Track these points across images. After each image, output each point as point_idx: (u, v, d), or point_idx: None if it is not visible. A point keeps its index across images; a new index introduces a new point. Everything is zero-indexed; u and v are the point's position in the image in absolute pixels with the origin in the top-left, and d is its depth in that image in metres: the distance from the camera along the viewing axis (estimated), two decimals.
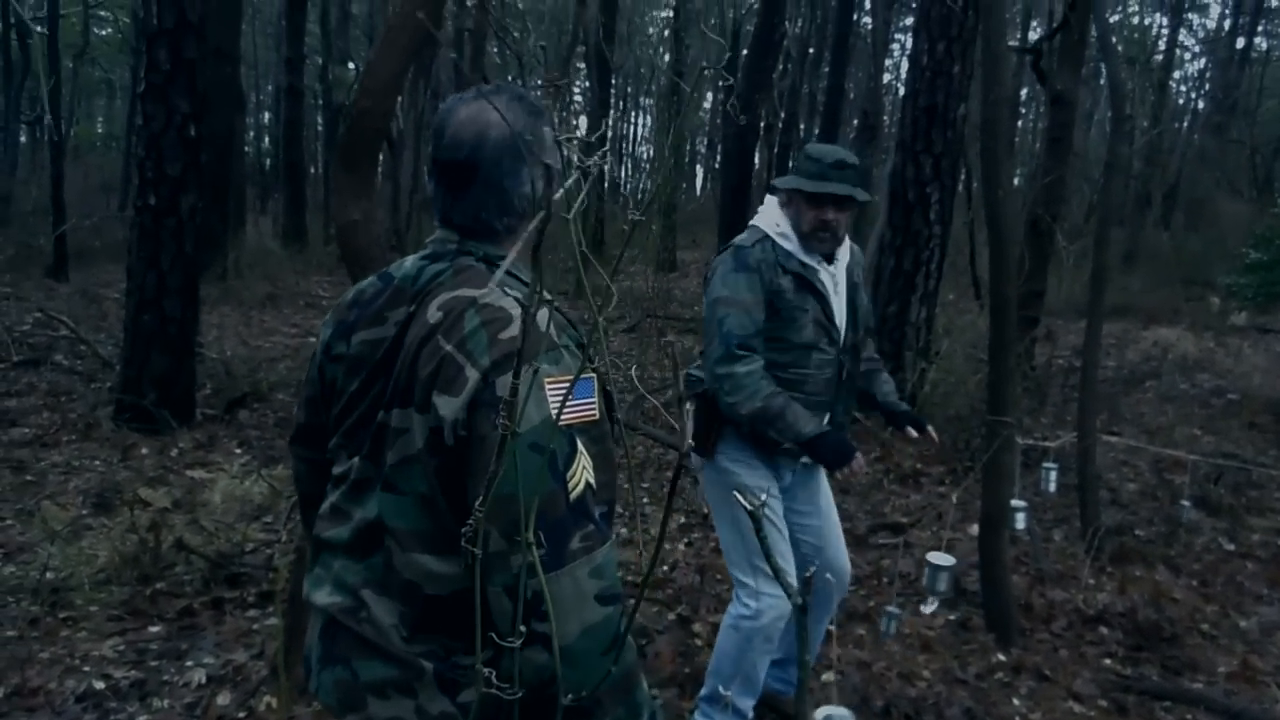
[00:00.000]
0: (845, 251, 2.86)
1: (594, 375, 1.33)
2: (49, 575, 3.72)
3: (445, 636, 1.41)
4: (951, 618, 3.99)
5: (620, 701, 1.36)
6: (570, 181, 0.96)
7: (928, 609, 3.68)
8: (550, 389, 1.29)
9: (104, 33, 25.21)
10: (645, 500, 5.36)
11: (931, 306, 7.21)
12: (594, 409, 1.35)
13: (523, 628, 1.19)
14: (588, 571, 1.27)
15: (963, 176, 7.64)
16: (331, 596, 1.48)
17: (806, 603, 1.59)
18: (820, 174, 2.71)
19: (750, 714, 2.95)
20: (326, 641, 1.49)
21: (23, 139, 21.45)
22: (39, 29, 14.05)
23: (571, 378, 1.22)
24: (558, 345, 1.36)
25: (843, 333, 2.83)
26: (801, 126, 22.80)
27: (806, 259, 2.76)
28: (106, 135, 30.04)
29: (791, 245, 2.76)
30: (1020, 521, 4.12)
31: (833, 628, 2.76)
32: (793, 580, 2.70)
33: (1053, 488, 4.71)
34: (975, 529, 4.19)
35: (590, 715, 1.35)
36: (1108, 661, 3.73)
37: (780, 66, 17.25)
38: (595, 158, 0.91)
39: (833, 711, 2.08)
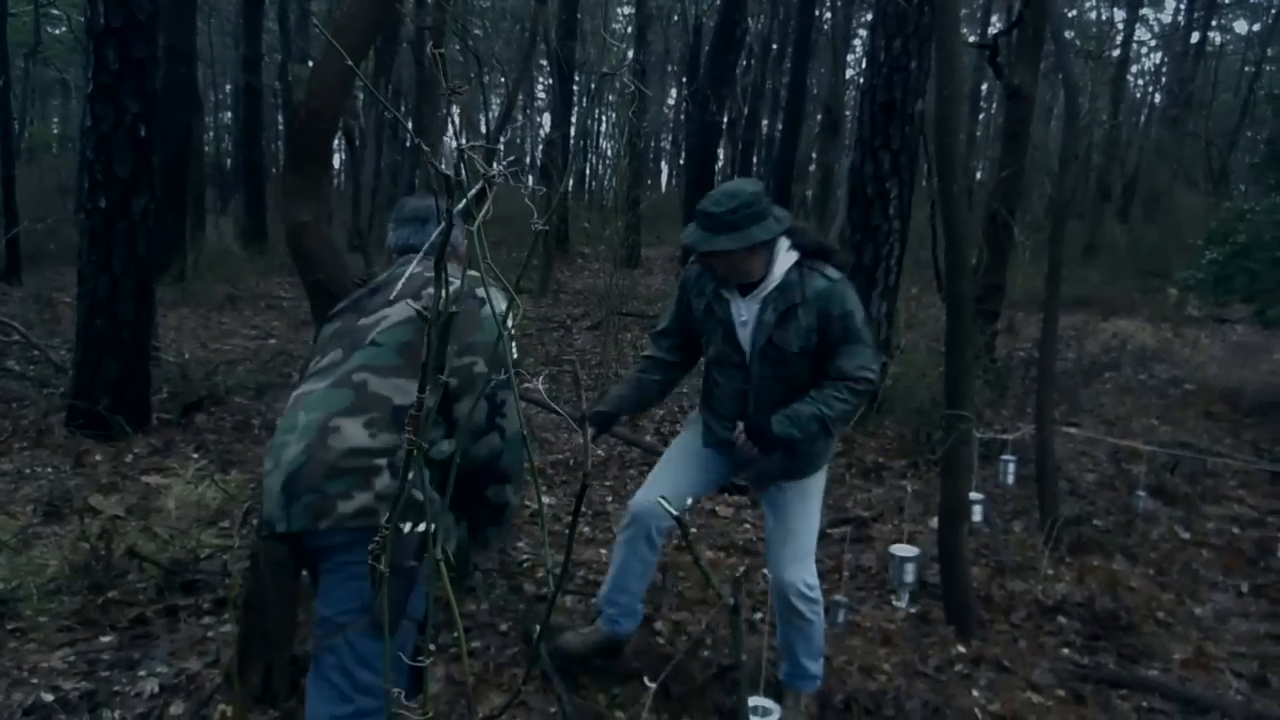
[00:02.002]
0: (773, 284, 2.89)
1: None
2: None
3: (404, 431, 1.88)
4: (912, 611, 4.01)
5: (519, 482, 2.22)
6: (473, 191, 0.95)
7: (900, 602, 3.70)
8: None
9: (57, 31, 24.79)
10: (609, 499, 5.34)
11: (892, 301, 7.25)
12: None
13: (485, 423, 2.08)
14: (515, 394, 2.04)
15: (925, 171, 7.69)
16: (299, 444, 2.02)
17: (738, 603, 1.60)
18: (697, 226, 2.85)
19: None
20: (291, 488, 1.99)
21: None
22: None
23: None
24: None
25: (748, 358, 2.98)
26: (764, 122, 22.89)
27: (723, 290, 2.98)
28: (62, 136, 29.54)
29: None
30: (978, 514, 4.15)
31: (765, 625, 2.79)
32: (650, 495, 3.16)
33: (1011, 480, 4.75)
34: (935, 521, 4.21)
35: (508, 480, 2.18)
36: (1066, 651, 3.77)
37: (743, 62, 17.28)
38: (498, 167, 0.90)
39: (761, 702, 2.09)
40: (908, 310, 8.51)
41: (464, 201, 0.98)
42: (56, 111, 33.31)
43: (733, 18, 13.98)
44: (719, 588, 1.79)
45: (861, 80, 8.36)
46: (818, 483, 3.12)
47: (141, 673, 3.20)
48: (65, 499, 4.54)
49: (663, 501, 2.67)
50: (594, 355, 8.98)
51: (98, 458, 5.34)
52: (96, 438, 5.59)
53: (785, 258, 2.90)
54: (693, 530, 4.72)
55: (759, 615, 3.86)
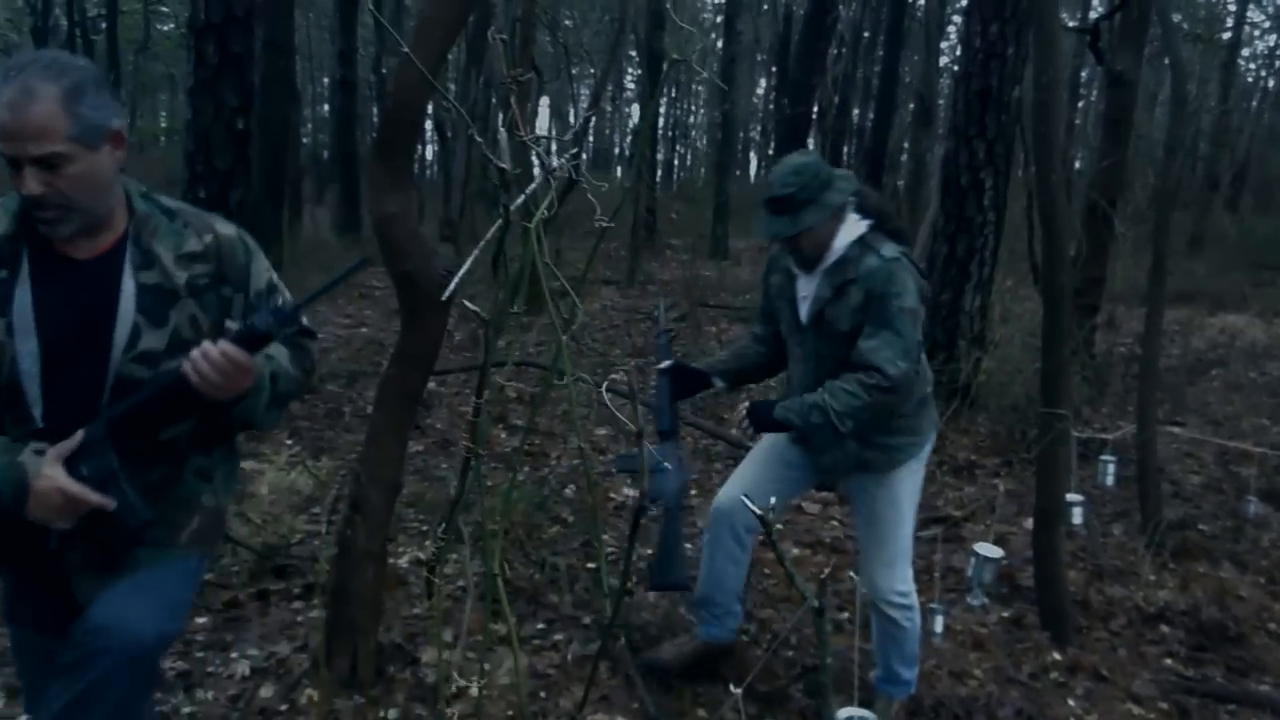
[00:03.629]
0: (833, 258, 2.82)
1: None
2: None
3: None
4: (1005, 615, 3.89)
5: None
6: (534, 186, 0.92)
7: (975, 601, 3.60)
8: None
9: (165, 28, 25.64)
10: (693, 493, 5.30)
11: (986, 294, 7.05)
12: None
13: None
14: None
15: (1021, 160, 7.47)
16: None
17: (824, 604, 1.55)
18: (765, 209, 2.83)
19: None
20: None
21: None
22: (103, 25, 14.35)
23: None
24: None
25: (804, 338, 2.94)
26: (856, 112, 22.51)
27: (792, 266, 2.96)
28: (169, 129, 30.58)
29: None
30: (1076, 516, 4.01)
31: (853, 625, 2.71)
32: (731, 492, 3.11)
33: (1111, 481, 4.58)
34: (1030, 522, 4.08)
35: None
36: (1169, 662, 3.62)
37: (834, 51, 17.01)
38: (563, 159, 0.87)
39: (854, 712, 2.03)
40: (1002, 304, 8.28)
41: (523, 198, 0.95)
42: (165, 105, 34.49)
43: (824, 5, 13.76)
44: (804, 588, 1.74)
45: (956, 67, 8.15)
46: (909, 487, 2.99)
47: (234, 655, 3.28)
48: None
49: (745, 499, 2.62)
50: (680, 349, 8.95)
51: None
52: None
53: (849, 230, 2.81)
54: (778, 527, 4.67)
55: (845, 615, 3.79)
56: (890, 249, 2.77)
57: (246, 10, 6.01)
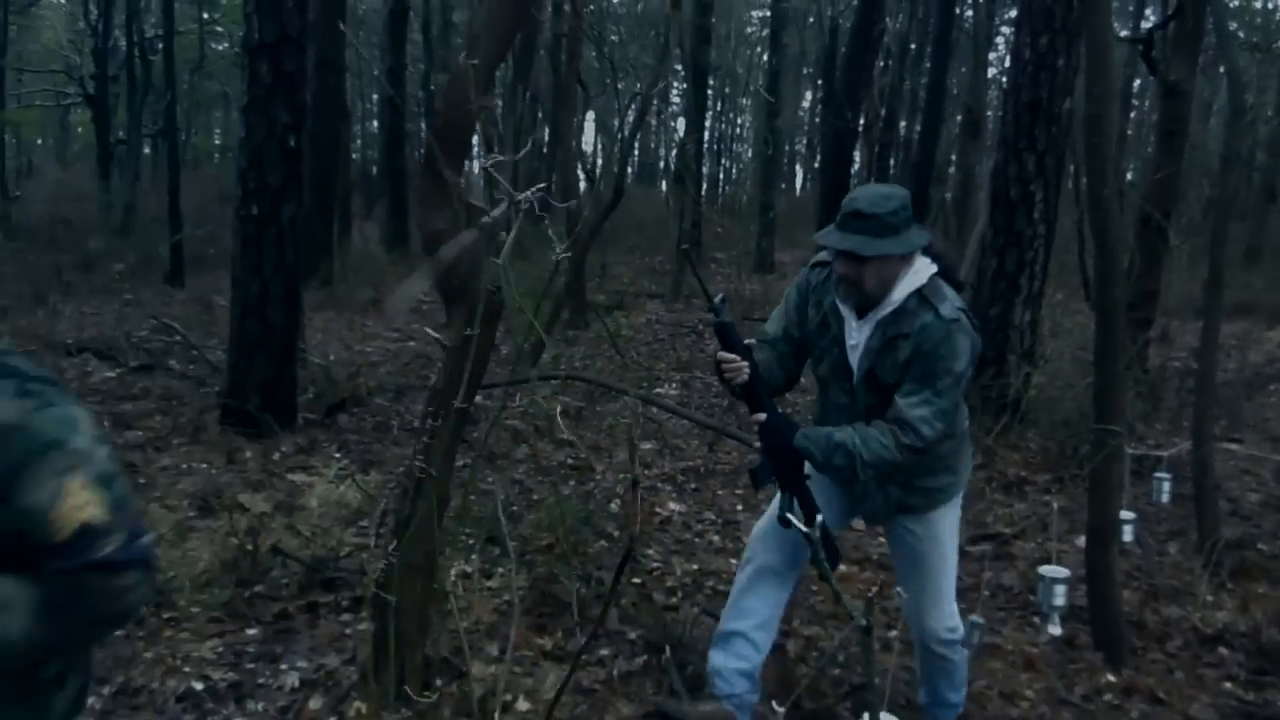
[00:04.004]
0: (890, 308, 2.63)
1: None
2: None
3: None
4: (1057, 634, 3.82)
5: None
6: (498, 211, 0.92)
7: (1053, 629, 3.52)
8: None
9: (220, 47, 26.13)
10: (739, 508, 5.29)
11: (1036, 308, 6.96)
12: None
13: None
14: None
15: (1071, 172, 7.37)
16: None
17: (871, 623, 1.53)
18: (838, 224, 2.60)
19: None
20: None
21: (146, 151, 22.42)
22: (160, 45, 14.70)
23: None
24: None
25: (854, 388, 2.75)
26: (902, 124, 22.36)
27: (840, 303, 2.73)
28: (223, 147, 31.16)
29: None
30: (1130, 534, 3.94)
31: (899, 642, 2.67)
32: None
33: (1166, 498, 4.49)
34: (1082, 540, 4.01)
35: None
36: (1228, 685, 3.53)
37: (880, 63, 16.93)
38: (529, 193, 0.86)
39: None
40: (1052, 318, 8.17)
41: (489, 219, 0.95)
42: (218, 123, 35.15)
43: (870, 18, 13.70)
44: (851, 606, 1.73)
45: (1005, 79, 8.08)
46: (949, 523, 2.88)
47: (283, 666, 3.32)
48: (217, 495, 4.75)
49: (791, 516, 2.59)
50: None
51: (248, 455, 5.57)
52: (247, 435, 5.84)
53: (912, 279, 2.63)
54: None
55: (893, 633, 3.75)
56: (949, 308, 2.59)
57: (300, 30, 6.11)
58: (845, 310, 2.73)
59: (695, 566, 4.42)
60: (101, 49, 19.39)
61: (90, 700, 3.00)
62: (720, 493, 5.55)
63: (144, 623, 3.56)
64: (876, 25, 14.18)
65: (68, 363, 7.66)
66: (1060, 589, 3.37)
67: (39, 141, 32.62)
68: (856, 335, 2.71)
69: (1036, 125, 6.62)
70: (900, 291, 2.62)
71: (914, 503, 2.81)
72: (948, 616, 2.88)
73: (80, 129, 29.89)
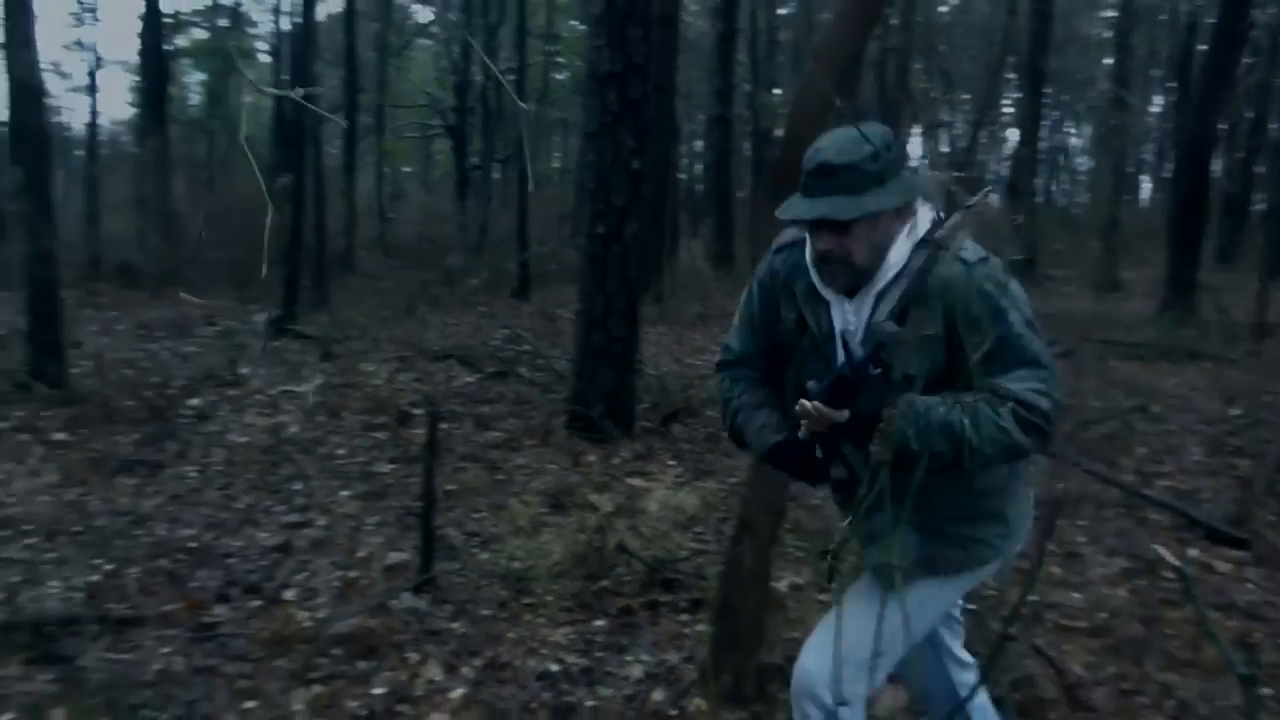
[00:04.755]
0: (889, 276, 2.00)
1: None
2: (514, 565, 4.23)
3: None
4: None
5: None
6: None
7: None
8: None
9: (560, 77, 28.03)
10: (1082, 539, 4.98)
11: None
12: None
13: None
14: None
15: None
16: None
17: (1254, 672, 1.41)
18: (803, 188, 1.98)
19: None
20: None
21: (495, 175, 24.49)
22: (510, 78, 16.05)
23: None
24: None
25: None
26: (1272, 126, 20.05)
27: (819, 287, 2.08)
28: (561, 170, 33.35)
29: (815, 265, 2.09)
30: None
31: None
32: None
33: None
34: None
35: None
36: None
37: (1246, 60, 15.29)
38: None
39: None
40: None
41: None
42: (557, 147, 37.66)
43: (1236, 11, 12.43)
44: (1229, 652, 1.61)
45: None
46: (949, 594, 2.21)
47: (628, 658, 3.54)
48: (567, 493, 5.13)
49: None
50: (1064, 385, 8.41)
51: (591, 459, 5.96)
52: (590, 440, 6.25)
53: (910, 238, 2.00)
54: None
55: (1267, 691, 3.40)
56: (972, 248, 1.95)
57: (644, 59, 6.47)
58: (829, 293, 2.07)
59: (1034, 597, 4.22)
60: (460, 84, 21.47)
61: (464, 669, 3.37)
62: (1059, 523, 5.24)
63: (505, 605, 3.92)
64: (1244, 19, 12.83)
65: (435, 366, 8.56)
66: None
67: (405, 169, 36.40)
68: (852, 317, 2.05)
69: None
70: (898, 252, 2.00)
71: (938, 555, 2.11)
72: (844, 679, 2.05)
73: (440, 156, 33.13)
